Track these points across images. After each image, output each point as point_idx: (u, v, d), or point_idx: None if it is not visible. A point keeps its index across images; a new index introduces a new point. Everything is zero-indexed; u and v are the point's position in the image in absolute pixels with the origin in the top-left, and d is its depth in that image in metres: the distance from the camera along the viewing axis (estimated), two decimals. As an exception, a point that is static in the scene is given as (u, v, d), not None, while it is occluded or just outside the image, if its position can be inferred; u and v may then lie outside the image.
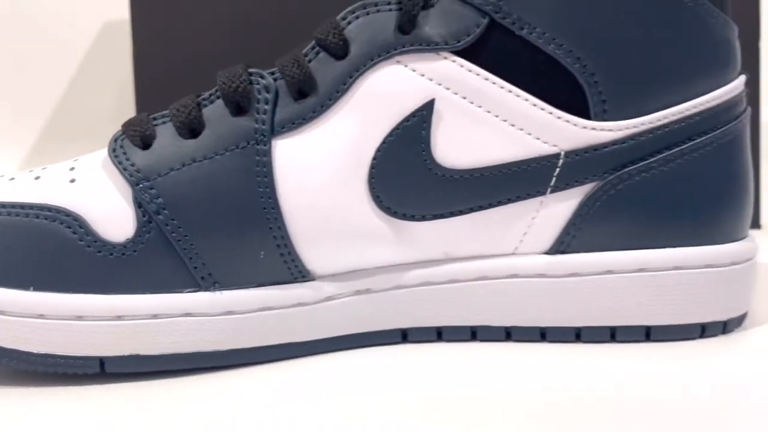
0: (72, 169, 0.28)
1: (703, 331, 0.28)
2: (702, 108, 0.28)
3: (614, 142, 0.27)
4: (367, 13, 0.27)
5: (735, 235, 0.29)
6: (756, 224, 0.46)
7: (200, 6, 0.43)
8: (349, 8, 0.28)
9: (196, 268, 0.26)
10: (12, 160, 0.62)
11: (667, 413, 0.23)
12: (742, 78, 0.30)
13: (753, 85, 0.46)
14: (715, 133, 0.28)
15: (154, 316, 0.26)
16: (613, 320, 0.28)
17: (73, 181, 0.27)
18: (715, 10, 0.28)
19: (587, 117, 0.27)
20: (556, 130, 0.27)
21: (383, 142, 0.26)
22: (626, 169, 0.27)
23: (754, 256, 0.30)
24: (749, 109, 0.30)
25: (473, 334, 0.29)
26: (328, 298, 0.28)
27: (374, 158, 0.26)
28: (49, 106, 0.64)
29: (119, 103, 0.60)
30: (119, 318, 0.26)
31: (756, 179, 0.45)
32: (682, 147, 0.27)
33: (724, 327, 0.29)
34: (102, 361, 0.26)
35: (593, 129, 0.27)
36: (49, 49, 0.63)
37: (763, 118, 0.47)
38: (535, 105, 0.27)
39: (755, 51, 0.47)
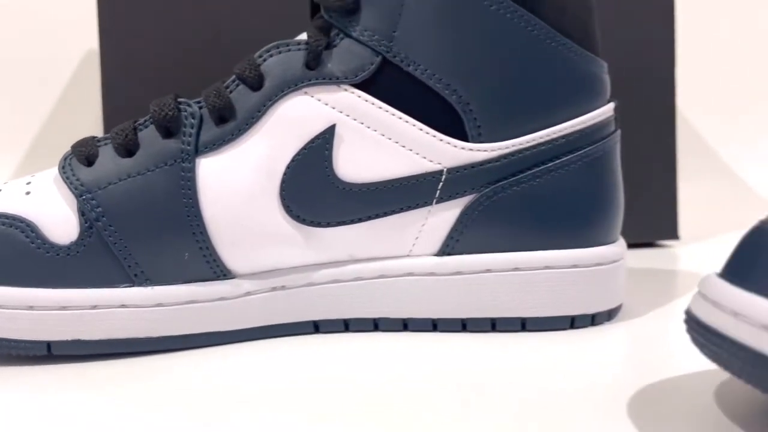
0: (28, 183, 0.33)
1: (573, 323, 0.33)
2: (566, 132, 0.33)
3: (489, 161, 0.32)
4: (280, 52, 0.32)
5: (602, 240, 0.34)
6: (674, 235, 0.51)
7: (166, 38, 0.47)
8: (265, 48, 0.33)
9: (129, 266, 0.31)
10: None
11: (508, 395, 0.28)
12: (610, 105, 0.35)
13: (670, 99, 0.51)
14: (580, 152, 0.33)
15: (94, 307, 0.31)
16: (493, 312, 0.33)
17: (28, 193, 0.32)
18: (579, 49, 0.33)
19: (465, 139, 0.32)
20: (440, 151, 0.32)
21: (292, 160, 0.31)
22: (499, 183, 0.32)
23: (620, 258, 0.35)
24: (618, 131, 0.35)
25: (375, 325, 0.33)
26: (247, 294, 0.32)
27: (284, 174, 0.31)
28: (19, 130, 0.68)
29: (90, 127, 0.64)
30: (64, 308, 0.30)
31: (673, 193, 0.50)
32: (549, 165, 0.33)
33: (593, 320, 0.34)
34: (49, 345, 0.30)
35: (470, 150, 0.32)
36: (23, 78, 0.67)
37: (678, 135, 0.52)
38: (421, 129, 0.32)
39: (671, 75, 0.51)
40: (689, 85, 0.61)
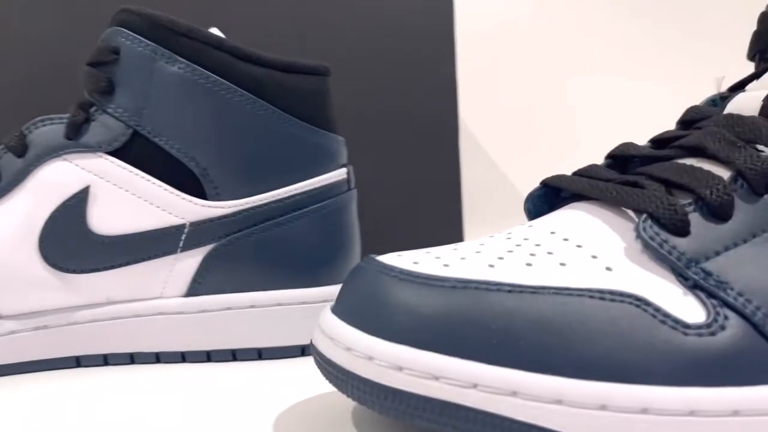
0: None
1: (303, 351, 0.39)
2: (294, 192, 0.40)
3: (225, 216, 0.38)
4: (44, 125, 0.37)
5: (329, 281, 0.40)
6: None
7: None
8: (32, 121, 0.38)
9: None
10: None
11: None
12: (342, 170, 0.41)
13: (453, 122, 0.58)
14: (308, 209, 0.40)
15: None
16: (234, 344, 0.39)
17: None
18: (305, 125, 0.40)
19: (205, 198, 0.38)
20: (182, 207, 0.38)
21: (50, 217, 0.37)
22: (235, 234, 0.39)
23: None
24: (353, 191, 0.42)
25: (132, 358, 0.39)
26: (12, 332, 0.37)
27: (42, 228, 0.37)
28: None
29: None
30: None
31: (458, 207, 0.57)
32: (279, 219, 0.39)
33: (324, 349, 0.40)
34: None
35: (209, 206, 0.38)
36: None
37: (462, 165, 0.59)
38: (166, 189, 0.38)
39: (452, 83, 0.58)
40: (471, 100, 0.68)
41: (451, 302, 0.24)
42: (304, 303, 0.40)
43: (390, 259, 0.27)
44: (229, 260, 0.38)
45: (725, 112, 0.33)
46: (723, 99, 0.34)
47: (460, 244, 0.30)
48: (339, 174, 0.41)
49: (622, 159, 0.33)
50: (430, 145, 0.59)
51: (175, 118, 0.37)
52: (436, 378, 0.24)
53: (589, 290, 0.25)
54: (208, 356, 0.39)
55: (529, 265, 0.26)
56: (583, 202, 0.30)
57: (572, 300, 0.24)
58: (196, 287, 0.38)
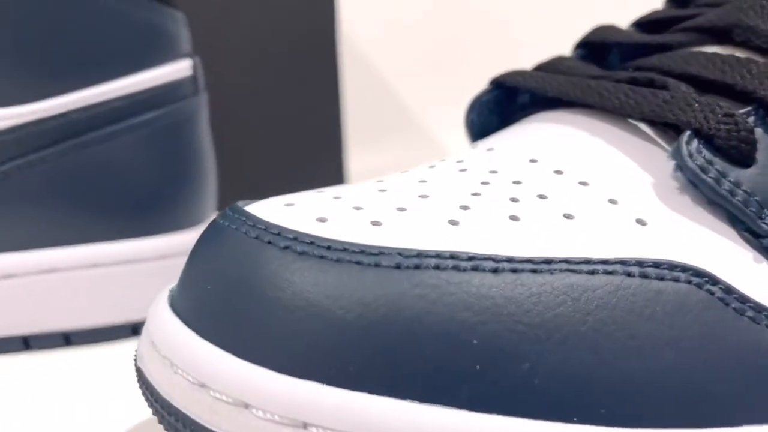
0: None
1: (134, 331, 0.28)
2: (113, 95, 0.26)
3: (-2, 133, 0.26)
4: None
5: (170, 227, 0.29)
6: None
7: None
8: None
9: None
10: None
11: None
12: (186, 63, 0.30)
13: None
14: (135, 120, 0.27)
15: None
16: (28, 327, 0.27)
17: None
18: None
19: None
20: None
21: None
22: (15, 162, 0.24)
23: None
24: (204, 96, 0.29)
25: None
26: None
27: None
28: None
29: None
30: None
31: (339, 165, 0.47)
32: (87, 136, 0.25)
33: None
34: None
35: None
36: None
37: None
38: None
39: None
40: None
41: (396, 298, 0.13)
42: (129, 262, 0.27)
43: (272, 210, 0.16)
44: (8, 202, 0.25)
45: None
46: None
47: (386, 179, 0.18)
48: (180, 68, 0.27)
49: (600, 49, 0.22)
50: (304, 57, 0.47)
51: None
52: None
53: (623, 261, 0.14)
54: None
55: (514, 219, 0.15)
56: (561, 111, 0.20)
57: (597, 281, 0.14)
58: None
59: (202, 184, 0.30)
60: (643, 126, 0.19)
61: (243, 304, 0.14)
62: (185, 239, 0.28)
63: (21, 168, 0.25)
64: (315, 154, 0.41)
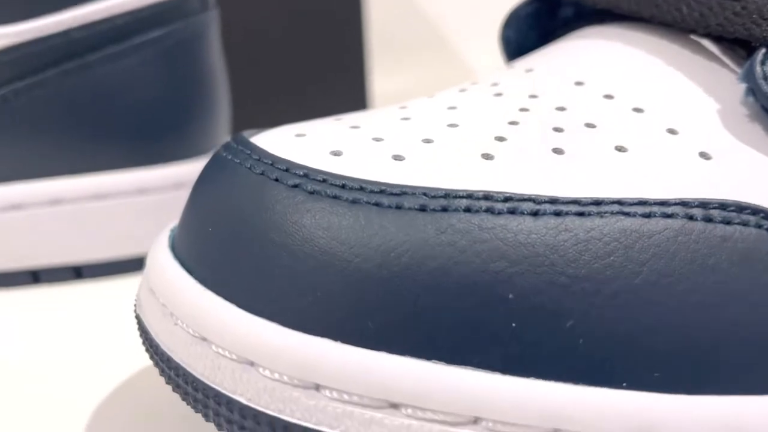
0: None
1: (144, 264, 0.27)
2: (114, 12, 0.23)
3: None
4: None
5: (180, 154, 0.27)
6: None
7: None
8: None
9: None
10: None
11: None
12: None
13: None
14: (139, 39, 0.24)
15: None
16: (34, 262, 0.26)
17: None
18: None
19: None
20: None
21: None
22: (11, 87, 0.22)
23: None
24: (214, 12, 0.26)
25: None
26: None
27: None
28: None
29: None
30: None
31: (362, 84, 0.44)
32: (88, 57, 0.23)
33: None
34: None
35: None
36: None
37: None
38: None
39: None
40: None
41: (421, 245, 0.12)
42: (138, 192, 0.24)
43: (280, 141, 0.14)
44: (7, 128, 0.23)
45: None
46: None
47: (410, 105, 0.16)
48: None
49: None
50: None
51: None
52: (395, 406, 0.12)
53: (684, 202, 0.12)
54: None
55: (558, 152, 0.13)
56: (611, 25, 0.17)
57: (654, 226, 0.12)
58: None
59: (213, 108, 0.28)
60: (707, 43, 0.17)
61: (247, 251, 0.12)
62: (197, 168, 0.27)
63: (19, 92, 0.23)
64: (336, 75, 0.39)
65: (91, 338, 0.22)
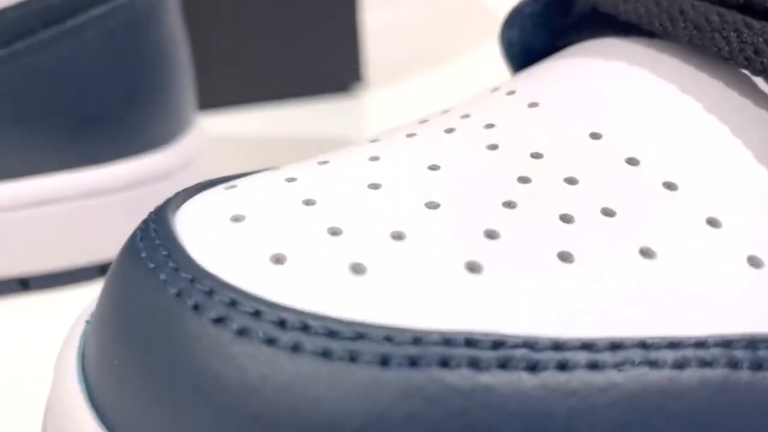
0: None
1: (104, 270, 0.24)
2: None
3: None
4: None
5: (140, 148, 0.24)
6: (356, 76, 0.41)
7: None
8: None
9: None
10: None
11: None
12: None
13: None
14: (86, 15, 0.21)
15: None
16: None
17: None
18: None
19: None
20: None
21: None
22: None
23: (174, 172, 0.25)
24: None
25: None
26: None
27: None
28: None
29: None
30: None
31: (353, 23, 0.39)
32: (29, 40, 0.20)
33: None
34: None
35: None
36: None
37: None
38: None
39: None
40: None
41: (381, 414, 0.09)
42: (89, 195, 0.21)
43: (212, 232, 0.11)
44: None
45: None
46: None
47: (378, 148, 0.13)
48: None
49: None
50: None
51: None
52: None
53: (726, 342, 0.09)
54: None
55: (565, 258, 0.10)
56: (637, 42, 0.14)
57: (690, 379, 0.09)
58: None
59: (172, 92, 0.24)
60: (762, 83, 0.13)
61: (158, 403, 0.09)
62: (155, 162, 0.22)
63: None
64: (325, 9, 0.35)
65: (36, 354, 0.20)
